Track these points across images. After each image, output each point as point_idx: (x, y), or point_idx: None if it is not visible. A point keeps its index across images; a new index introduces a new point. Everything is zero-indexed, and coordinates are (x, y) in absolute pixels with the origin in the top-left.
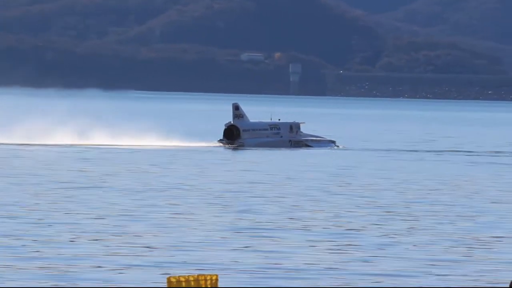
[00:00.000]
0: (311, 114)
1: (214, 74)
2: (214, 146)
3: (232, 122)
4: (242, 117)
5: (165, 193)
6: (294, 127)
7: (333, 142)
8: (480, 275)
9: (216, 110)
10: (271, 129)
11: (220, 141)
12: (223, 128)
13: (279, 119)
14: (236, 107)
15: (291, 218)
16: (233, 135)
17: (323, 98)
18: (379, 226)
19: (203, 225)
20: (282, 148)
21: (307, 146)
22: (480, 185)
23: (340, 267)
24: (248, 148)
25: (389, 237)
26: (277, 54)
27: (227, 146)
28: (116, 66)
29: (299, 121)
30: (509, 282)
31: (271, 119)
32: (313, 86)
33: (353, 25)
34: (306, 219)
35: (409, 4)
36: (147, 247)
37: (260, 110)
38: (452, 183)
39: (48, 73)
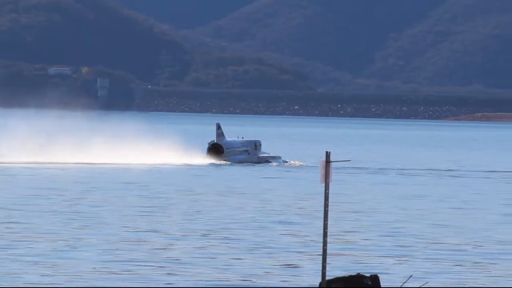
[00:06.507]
0: (119, 131)
1: (21, 89)
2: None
3: (216, 141)
4: (223, 135)
5: None
6: (257, 145)
7: (280, 157)
8: None
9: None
10: (242, 146)
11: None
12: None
13: (242, 137)
14: (218, 126)
15: None
16: (219, 153)
17: (131, 114)
18: None
19: None
20: (253, 164)
21: (268, 162)
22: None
23: None
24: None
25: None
26: (84, 69)
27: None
28: None
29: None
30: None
31: (238, 137)
32: (121, 101)
33: (161, 40)
34: None
35: (217, 19)
36: None
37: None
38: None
39: None
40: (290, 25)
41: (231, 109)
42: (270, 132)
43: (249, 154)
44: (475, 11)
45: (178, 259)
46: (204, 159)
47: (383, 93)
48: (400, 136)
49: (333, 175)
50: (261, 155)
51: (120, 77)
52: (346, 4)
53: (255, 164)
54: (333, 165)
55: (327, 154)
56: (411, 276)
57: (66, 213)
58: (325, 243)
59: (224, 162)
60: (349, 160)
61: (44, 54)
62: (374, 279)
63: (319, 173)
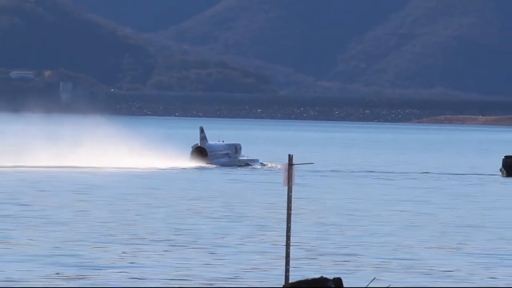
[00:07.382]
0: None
1: None
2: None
3: (199, 144)
4: (206, 139)
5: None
6: (237, 148)
7: (257, 160)
8: None
9: None
10: (224, 150)
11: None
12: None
13: (223, 141)
14: (201, 130)
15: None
16: (203, 156)
17: (94, 118)
18: None
19: None
20: (237, 167)
21: (248, 164)
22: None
23: None
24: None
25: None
26: (47, 72)
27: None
28: None
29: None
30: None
31: (218, 141)
32: (84, 104)
33: (123, 43)
34: None
35: (179, 23)
36: None
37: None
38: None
39: None
40: (252, 28)
41: (194, 112)
42: (235, 136)
43: (230, 157)
44: (436, 14)
45: (143, 264)
46: (189, 162)
47: (345, 96)
48: (364, 138)
49: (298, 178)
50: (240, 158)
51: (83, 80)
52: (308, 7)
53: (239, 167)
54: (296, 168)
55: (290, 157)
56: (374, 278)
57: (30, 217)
58: (288, 246)
59: (209, 165)
60: (312, 163)
61: (6, 58)
62: (337, 281)
63: (282, 176)
